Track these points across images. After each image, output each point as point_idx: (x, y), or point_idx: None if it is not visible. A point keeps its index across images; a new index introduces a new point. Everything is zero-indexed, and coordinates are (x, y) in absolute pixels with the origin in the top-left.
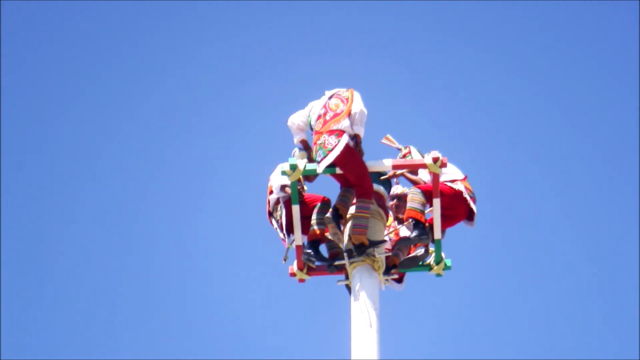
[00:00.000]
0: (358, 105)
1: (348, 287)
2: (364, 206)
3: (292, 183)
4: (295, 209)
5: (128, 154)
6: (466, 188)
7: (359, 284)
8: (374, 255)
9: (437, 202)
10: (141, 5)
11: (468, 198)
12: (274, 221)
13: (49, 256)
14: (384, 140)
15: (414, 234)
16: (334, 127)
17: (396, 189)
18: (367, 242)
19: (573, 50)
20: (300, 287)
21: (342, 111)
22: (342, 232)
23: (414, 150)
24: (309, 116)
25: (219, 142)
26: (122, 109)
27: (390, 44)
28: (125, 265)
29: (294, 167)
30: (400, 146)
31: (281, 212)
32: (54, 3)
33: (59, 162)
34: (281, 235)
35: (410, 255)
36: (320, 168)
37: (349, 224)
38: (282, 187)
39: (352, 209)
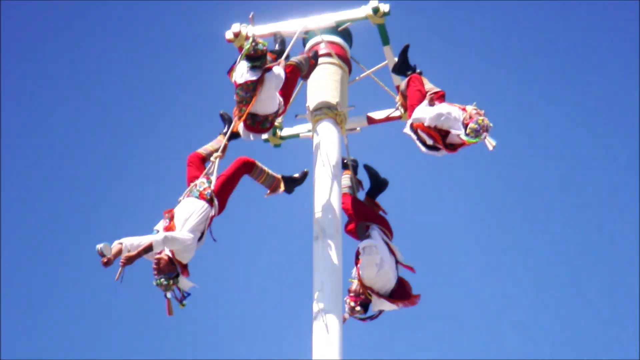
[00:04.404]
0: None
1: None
2: None
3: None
4: None
5: (125, 153)
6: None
7: (320, 138)
8: (336, 109)
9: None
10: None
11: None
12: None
13: (49, 256)
14: None
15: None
16: None
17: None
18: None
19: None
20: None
21: None
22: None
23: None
24: None
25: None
26: (122, 109)
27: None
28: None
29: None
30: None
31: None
32: (54, 3)
33: (57, 162)
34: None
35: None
36: None
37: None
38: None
39: None
